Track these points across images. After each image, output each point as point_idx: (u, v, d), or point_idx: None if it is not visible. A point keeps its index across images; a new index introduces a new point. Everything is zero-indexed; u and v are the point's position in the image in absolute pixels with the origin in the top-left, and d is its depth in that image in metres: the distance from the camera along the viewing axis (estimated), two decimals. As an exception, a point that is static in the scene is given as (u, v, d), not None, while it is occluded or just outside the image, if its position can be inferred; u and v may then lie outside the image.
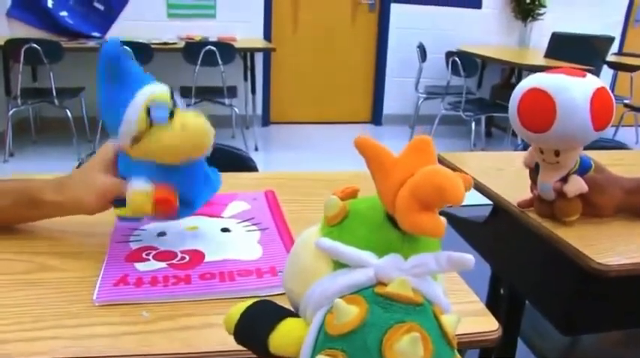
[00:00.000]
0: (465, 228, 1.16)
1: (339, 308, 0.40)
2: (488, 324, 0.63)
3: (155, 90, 0.70)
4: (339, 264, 0.44)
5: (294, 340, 0.44)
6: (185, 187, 0.74)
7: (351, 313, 0.39)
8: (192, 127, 0.71)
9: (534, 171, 0.92)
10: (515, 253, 1.03)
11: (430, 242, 0.46)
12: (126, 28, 4.54)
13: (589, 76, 0.83)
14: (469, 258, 0.42)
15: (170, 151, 0.70)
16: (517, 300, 1.08)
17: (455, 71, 4.43)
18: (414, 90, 5.00)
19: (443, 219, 0.41)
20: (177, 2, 4.65)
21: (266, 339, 0.45)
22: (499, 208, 1.01)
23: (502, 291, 1.10)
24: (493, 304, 1.17)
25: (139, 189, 0.71)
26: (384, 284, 0.42)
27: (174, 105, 0.71)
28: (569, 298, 0.89)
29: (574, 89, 0.80)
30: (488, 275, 1.29)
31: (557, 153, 0.86)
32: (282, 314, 0.47)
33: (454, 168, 1.14)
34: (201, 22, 4.75)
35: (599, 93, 0.80)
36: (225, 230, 0.84)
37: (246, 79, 4.67)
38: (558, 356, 1.27)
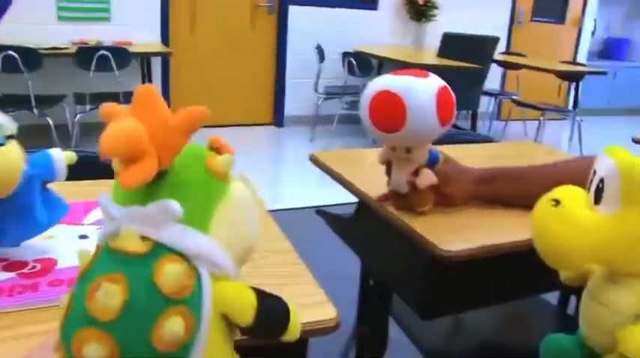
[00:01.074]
0: (338, 224, 1.21)
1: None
2: (326, 313, 0.67)
3: None
4: None
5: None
6: None
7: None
8: None
9: (389, 167, 0.97)
10: (379, 245, 1.08)
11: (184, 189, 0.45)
12: (11, 31, 4.31)
13: (431, 75, 0.88)
14: (173, 204, 0.42)
15: None
16: (384, 290, 1.13)
17: (351, 71, 4.55)
18: (313, 91, 5.09)
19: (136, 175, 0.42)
20: (68, 5, 4.46)
21: None
22: (363, 203, 1.06)
23: (371, 282, 1.16)
24: (364, 295, 1.23)
25: None
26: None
27: None
28: (423, 285, 0.95)
29: (421, 89, 0.85)
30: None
31: (408, 150, 0.91)
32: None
33: (323, 167, 1.19)
34: (95, 26, 4.58)
35: (442, 91, 0.86)
36: (83, 237, 0.83)
37: (144, 83, 4.56)
38: (435, 338, 1.35)
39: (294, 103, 5.49)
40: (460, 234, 0.91)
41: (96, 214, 0.91)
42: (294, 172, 4.17)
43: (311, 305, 0.68)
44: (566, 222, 0.45)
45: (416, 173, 0.93)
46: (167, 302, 0.40)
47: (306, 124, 5.29)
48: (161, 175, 0.44)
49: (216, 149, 0.49)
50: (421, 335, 1.33)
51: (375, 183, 1.02)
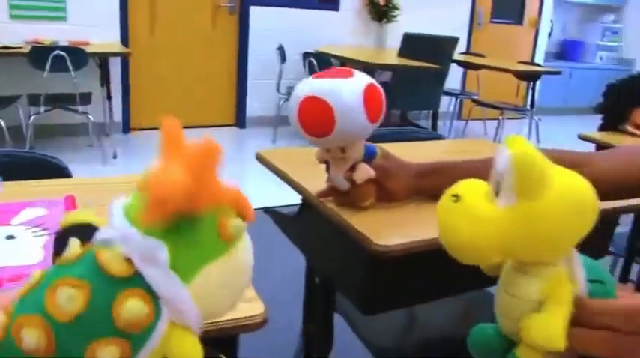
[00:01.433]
0: (284, 222, 1.20)
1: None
2: (254, 310, 0.66)
3: None
4: None
5: None
6: None
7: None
8: None
9: (328, 165, 0.96)
10: (322, 243, 1.08)
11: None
12: (-39, 31, 4.20)
13: (356, 73, 0.87)
14: (161, 254, 0.42)
15: None
16: (328, 287, 1.13)
17: (312, 72, 4.53)
18: (275, 92, 5.07)
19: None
20: (22, 3, 4.36)
21: None
22: (305, 201, 1.06)
23: (316, 280, 1.15)
24: (310, 293, 1.23)
25: None
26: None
27: None
28: (363, 280, 0.95)
29: (346, 90, 0.84)
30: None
31: (343, 150, 0.91)
32: None
33: (268, 165, 1.19)
34: (50, 25, 4.48)
35: (368, 89, 0.85)
36: (10, 237, 0.81)
37: (103, 84, 4.48)
38: (383, 335, 1.36)
39: (256, 104, 5.47)
40: (399, 229, 0.91)
41: (26, 214, 0.89)
42: (257, 173, 4.15)
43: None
44: (465, 216, 0.45)
45: (353, 169, 0.93)
46: (114, 332, 0.40)
47: (269, 125, 5.28)
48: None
49: (236, 208, 0.46)
50: (369, 332, 1.34)
51: (319, 180, 1.01)
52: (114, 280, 0.40)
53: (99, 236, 0.43)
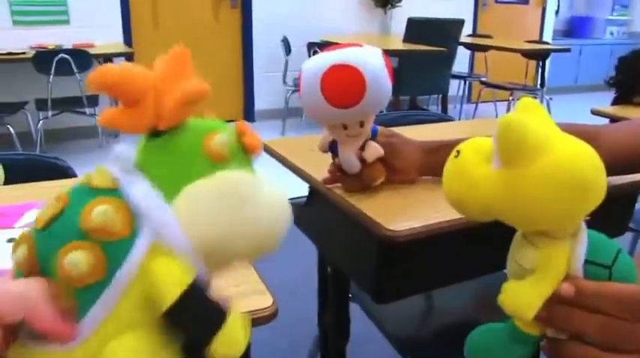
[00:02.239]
0: (293, 212, 1.17)
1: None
2: (263, 302, 0.64)
3: None
4: None
5: None
6: None
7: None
8: None
9: (333, 152, 0.93)
10: (332, 231, 1.06)
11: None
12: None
13: (365, 45, 0.85)
14: (127, 150, 0.42)
15: None
16: (342, 277, 1.11)
17: (318, 62, 4.51)
18: (282, 84, 5.04)
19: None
20: (23, 9, 4.36)
21: None
22: (313, 189, 1.03)
23: (329, 270, 1.13)
24: (323, 283, 1.20)
25: None
26: None
27: None
28: (374, 269, 0.92)
29: (371, 56, 0.82)
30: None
31: (361, 124, 0.88)
32: None
33: (276, 156, 1.16)
34: (53, 29, 4.48)
35: (385, 56, 0.84)
36: (11, 240, 0.79)
37: (108, 85, 4.47)
38: (402, 323, 1.33)
39: (264, 97, 5.44)
40: (408, 212, 0.88)
41: (29, 216, 0.87)
42: (268, 167, 4.12)
43: (248, 294, 0.66)
44: (457, 174, 0.46)
45: (362, 148, 0.90)
46: (84, 237, 0.39)
47: (278, 117, 5.25)
48: (160, 135, 0.42)
49: (239, 134, 0.44)
50: (388, 322, 1.32)
51: (325, 167, 0.99)
52: (93, 191, 0.40)
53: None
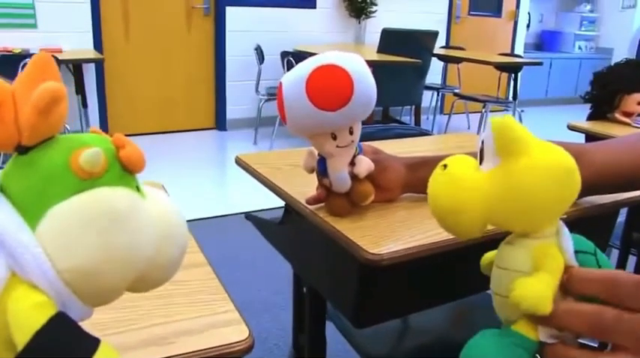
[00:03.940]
0: (267, 229, 1.13)
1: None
2: (239, 334, 0.59)
3: None
4: None
5: None
6: None
7: None
8: None
9: (321, 170, 0.88)
10: (308, 251, 1.01)
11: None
12: None
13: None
14: None
15: None
16: (317, 297, 1.06)
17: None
18: (254, 93, 4.99)
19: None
20: (-12, 12, 4.24)
21: None
22: (288, 206, 0.99)
23: (304, 289, 1.08)
24: (299, 303, 1.16)
25: None
26: None
27: None
28: (355, 292, 0.88)
29: (353, 56, 0.79)
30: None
31: (351, 131, 0.84)
32: None
33: (248, 169, 1.11)
34: (19, 33, 4.36)
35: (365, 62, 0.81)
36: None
37: (78, 92, 4.37)
38: (378, 343, 1.29)
39: (236, 106, 5.38)
40: (391, 234, 0.84)
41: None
42: (239, 176, 4.07)
43: (220, 325, 0.61)
44: (448, 182, 0.48)
45: (352, 164, 0.86)
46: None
47: (249, 127, 5.20)
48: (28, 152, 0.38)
49: (116, 147, 0.40)
50: (363, 341, 1.28)
51: (302, 184, 0.95)
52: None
53: None
